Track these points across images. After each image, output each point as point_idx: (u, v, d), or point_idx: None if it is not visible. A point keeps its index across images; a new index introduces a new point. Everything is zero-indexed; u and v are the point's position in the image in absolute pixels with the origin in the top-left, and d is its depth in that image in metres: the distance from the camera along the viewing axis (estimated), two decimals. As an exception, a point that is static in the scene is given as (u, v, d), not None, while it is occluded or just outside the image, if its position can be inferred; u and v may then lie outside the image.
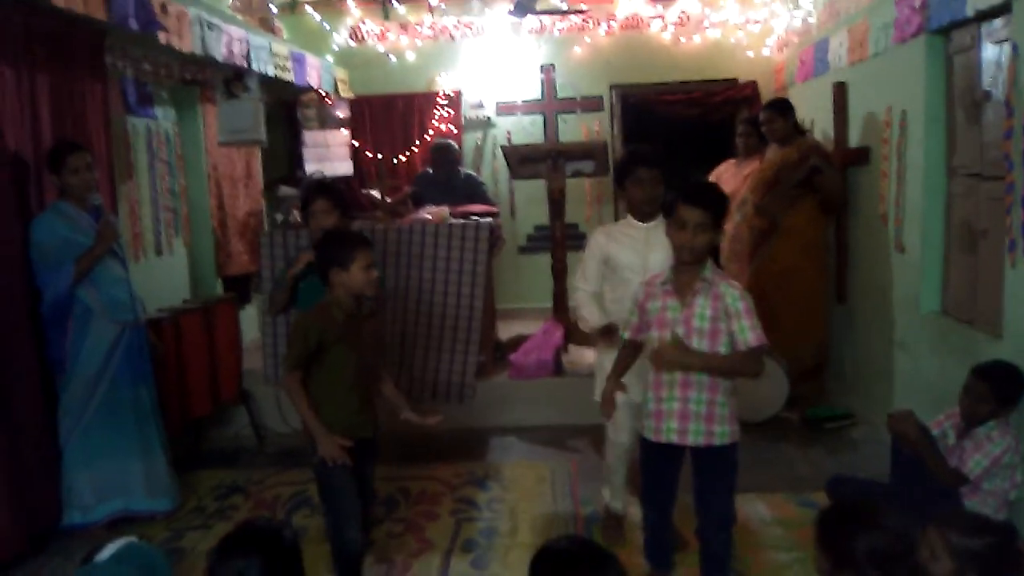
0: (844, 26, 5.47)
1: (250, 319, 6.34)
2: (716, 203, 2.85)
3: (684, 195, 2.83)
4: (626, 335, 3.10)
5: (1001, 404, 3.33)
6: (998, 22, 3.78)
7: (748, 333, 2.79)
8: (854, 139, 5.41)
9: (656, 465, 3.03)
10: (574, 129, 7.66)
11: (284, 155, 7.48)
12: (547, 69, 7.55)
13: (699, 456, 2.93)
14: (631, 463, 3.63)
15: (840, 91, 5.51)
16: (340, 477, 3.08)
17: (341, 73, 7.47)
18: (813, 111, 6.03)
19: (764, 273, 5.33)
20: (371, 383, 3.24)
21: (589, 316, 3.57)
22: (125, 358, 3.94)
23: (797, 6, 6.63)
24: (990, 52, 3.89)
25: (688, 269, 2.85)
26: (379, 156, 7.57)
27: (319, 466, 3.11)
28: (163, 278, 5.43)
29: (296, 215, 5.32)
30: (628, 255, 3.48)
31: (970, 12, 3.83)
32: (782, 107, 5.50)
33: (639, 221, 3.52)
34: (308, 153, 7.33)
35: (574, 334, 5.87)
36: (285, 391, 3.12)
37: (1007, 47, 3.60)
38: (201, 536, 3.95)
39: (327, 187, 4.04)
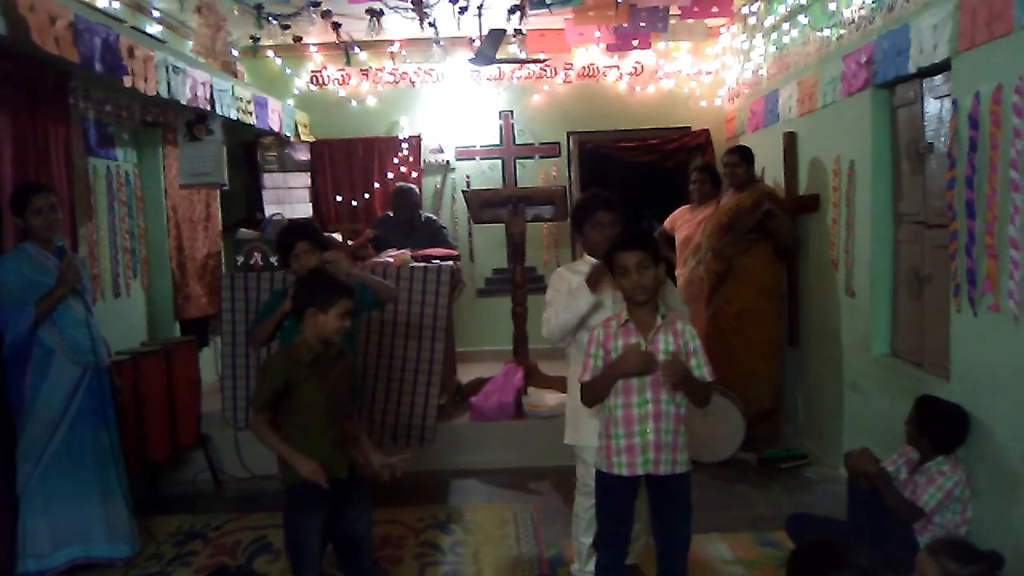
0: (794, 79, 5.68)
1: (208, 362, 6.28)
2: (648, 242, 3.00)
3: (616, 245, 3.01)
4: (586, 379, 3.03)
5: (942, 444, 3.48)
6: (939, 79, 3.98)
7: (704, 368, 2.98)
8: (803, 187, 5.59)
9: (620, 501, 3.06)
10: (532, 174, 7.79)
11: (243, 197, 7.46)
12: (506, 115, 7.74)
13: (662, 485, 2.99)
14: None
15: (790, 140, 5.72)
16: (304, 522, 3.01)
17: (302, 116, 7.52)
18: (764, 159, 6.21)
19: (722, 315, 5.46)
20: (345, 423, 3.17)
21: (568, 303, 3.33)
22: (87, 401, 3.87)
23: (748, 59, 6.87)
24: (932, 106, 4.09)
25: (645, 309, 2.97)
26: (339, 199, 7.61)
27: (286, 508, 3.04)
28: (120, 320, 5.35)
29: (257, 258, 5.31)
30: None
31: (912, 69, 4.03)
32: (747, 153, 5.67)
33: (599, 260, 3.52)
34: (268, 195, 7.31)
35: (534, 377, 5.93)
36: (253, 432, 3.06)
37: (948, 102, 3.79)
38: (160, 583, 3.89)
39: (306, 228, 3.98)
